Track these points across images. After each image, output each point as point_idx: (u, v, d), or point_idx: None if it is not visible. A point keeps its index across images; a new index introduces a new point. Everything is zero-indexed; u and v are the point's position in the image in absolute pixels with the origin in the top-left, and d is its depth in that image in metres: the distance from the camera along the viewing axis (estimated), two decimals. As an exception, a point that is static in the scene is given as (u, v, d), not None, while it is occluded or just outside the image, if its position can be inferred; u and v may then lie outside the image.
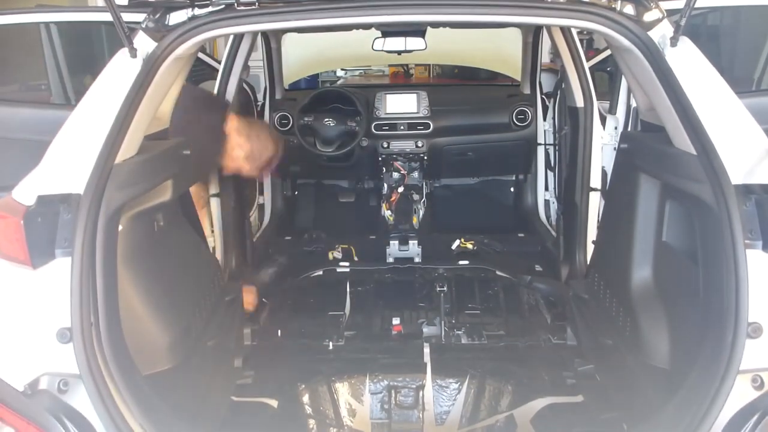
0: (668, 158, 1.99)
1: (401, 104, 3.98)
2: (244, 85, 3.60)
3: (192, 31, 1.89)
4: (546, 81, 4.16)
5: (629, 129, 2.77)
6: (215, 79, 3.16)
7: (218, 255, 3.08)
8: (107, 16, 2.11)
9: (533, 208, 4.18)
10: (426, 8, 1.91)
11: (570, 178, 3.16)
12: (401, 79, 7.25)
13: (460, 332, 2.73)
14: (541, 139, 4.02)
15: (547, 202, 4.08)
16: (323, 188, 4.54)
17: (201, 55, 3.48)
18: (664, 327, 2.08)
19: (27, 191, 1.72)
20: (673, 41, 1.84)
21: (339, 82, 6.85)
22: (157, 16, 1.94)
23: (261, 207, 4.16)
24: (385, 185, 4.00)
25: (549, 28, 3.23)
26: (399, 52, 2.64)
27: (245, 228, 3.30)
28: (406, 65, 7.01)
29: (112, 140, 1.78)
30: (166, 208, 2.31)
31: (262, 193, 4.17)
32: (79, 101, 1.91)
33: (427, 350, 2.57)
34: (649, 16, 1.90)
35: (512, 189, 4.38)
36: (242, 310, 2.82)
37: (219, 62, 3.31)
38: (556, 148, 3.76)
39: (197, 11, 1.91)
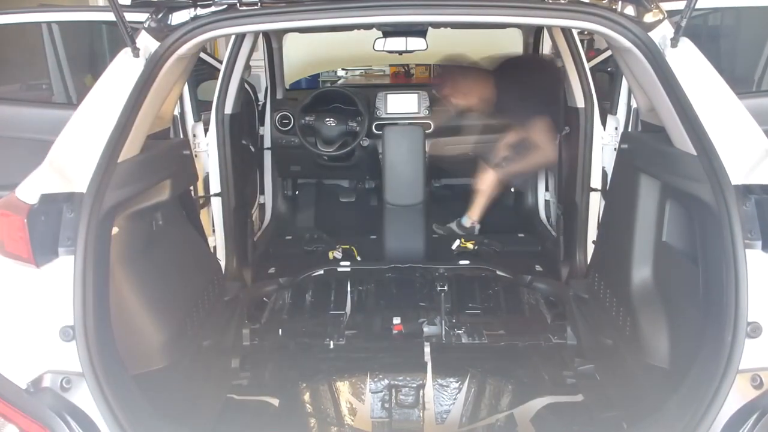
0: (668, 158, 2.00)
1: (402, 104, 3.98)
2: (246, 85, 3.60)
3: (194, 30, 1.90)
4: (546, 81, 4.15)
5: (629, 129, 2.77)
6: (216, 78, 3.16)
7: (219, 255, 3.08)
8: (110, 16, 2.11)
9: (533, 208, 4.19)
10: (427, 9, 1.92)
11: (570, 178, 3.16)
12: (402, 79, 7.23)
13: (460, 332, 2.73)
14: None
15: (547, 202, 4.09)
16: (324, 188, 4.55)
17: (202, 55, 3.49)
18: (664, 326, 2.09)
19: (30, 190, 1.72)
20: (674, 42, 1.85)
21: (340, 82, 6.84)
22: (160, 15, 1.95)
23: (262, 206, 4.16)
24: None
25: (550, 28, 3.23)
26: (400, 53, 2.64)
27: (246, 228, 3.30)
28: (407, 65, 7.00)
29: (115, 139, 1.79)
30: (165, 207, 2.31)
31: (263, 192, 4.17)
32: (82, 101, 1.92)
33: (427, 349, 2.57)
34: (649, 17, 1.90)
35: (512, 189, 4.38)
36: (242, 309, 2.82)
37: (220, 62, 3.31)
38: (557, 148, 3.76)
39: (199, 11, 1.92)
